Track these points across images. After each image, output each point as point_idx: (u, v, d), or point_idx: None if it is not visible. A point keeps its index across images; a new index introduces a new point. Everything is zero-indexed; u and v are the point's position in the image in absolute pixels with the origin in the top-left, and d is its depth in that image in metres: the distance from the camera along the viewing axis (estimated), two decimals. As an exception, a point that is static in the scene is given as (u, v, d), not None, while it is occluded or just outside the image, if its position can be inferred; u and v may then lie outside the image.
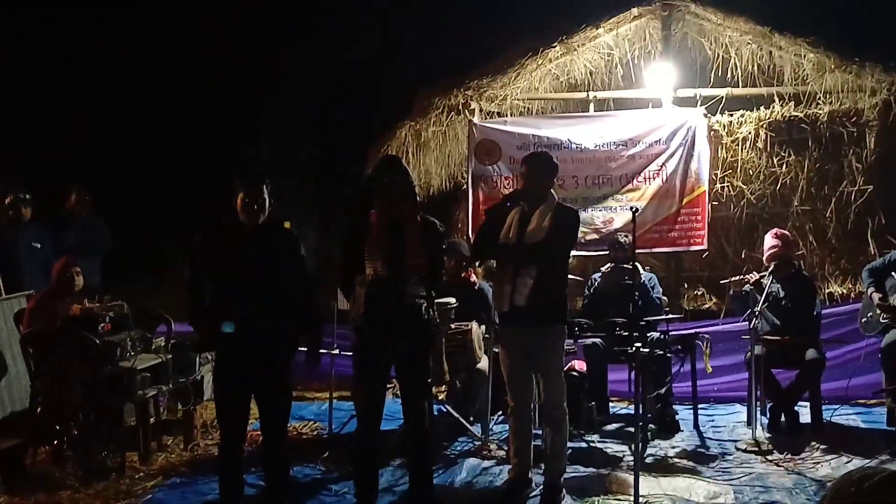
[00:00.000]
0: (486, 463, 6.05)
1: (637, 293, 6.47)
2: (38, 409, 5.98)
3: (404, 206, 4.85)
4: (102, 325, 6.03)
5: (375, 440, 5.06)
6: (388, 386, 5.43)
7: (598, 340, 6.85)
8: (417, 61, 11.69)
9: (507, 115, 9.04)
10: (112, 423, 5.94)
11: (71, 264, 6.43)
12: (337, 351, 6.77)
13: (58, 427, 5.83)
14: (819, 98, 8.44)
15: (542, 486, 5.25)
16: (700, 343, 6.84)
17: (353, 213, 5.19)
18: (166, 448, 6.42)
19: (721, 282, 7.73)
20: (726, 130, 8.63)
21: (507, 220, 5.25)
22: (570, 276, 6.40)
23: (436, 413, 6.87)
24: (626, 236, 7.01)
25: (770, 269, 6.76)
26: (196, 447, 6.42)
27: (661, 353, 6.58)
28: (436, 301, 5.31)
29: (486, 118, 8.95)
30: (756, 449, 6.16)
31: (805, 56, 8.37)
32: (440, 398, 7.13)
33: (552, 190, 5.32)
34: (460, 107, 8.94)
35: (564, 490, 5.26)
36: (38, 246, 7.79)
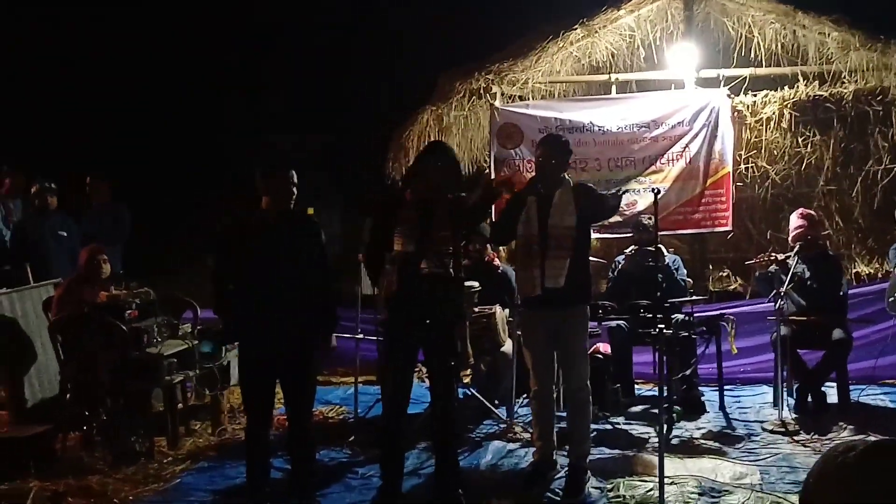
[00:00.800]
0: (511, 445, 6.06)
1: (661, 275, 6.45)
2: (67, 396, 6.08)
3: (448, 189, 4.87)
4: (129, 311, 6.08)
5: (401, 423, 5.09)
6: (415, 370, 5.45)
7: (622, 323, 6.83)
8: (439, 46, 11.67)
9: (528, 99, 9.00)
10: (140, 408, 6.02)
11: (98, 251, 6.49)
12: (361, 335, 6.80)
13: (87, 413, 5.91)
14: (844, 77, 8.35)
15: (566, 468, 5.25)
16: (725, 324, 6.80)
17: (389, 194, 5.21)
18: (194, 433, 6.49)
19: (746, 262, 7.69)
20: (750, 111, 8.55)
21: (525, 204, 5.23)
22: (593, 259, 6.41)
23: (461, 396, 6.90)
24: (650, 218, 6.98)
25: (796, 250, 6.71)
26: (224, 432, 6.47)
27: (686, 334, 6.56)
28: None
29: (507, 102, 8.92)
30: (783, 430, 6.14)
31: (829, 34, 8.28)
32: (465, 382, 7.15)
33: (565, 175, 5.31)
34: (482, 91, 8.91)
35: (589, 472, 5.26)
36: (65, 234, 7.89)
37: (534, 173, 5.52)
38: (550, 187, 5.21)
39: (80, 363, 5.98)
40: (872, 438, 4.96)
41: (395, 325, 4.92)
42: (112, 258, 7.07)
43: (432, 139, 8.84)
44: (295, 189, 4.81)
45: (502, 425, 6.44)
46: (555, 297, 5.09)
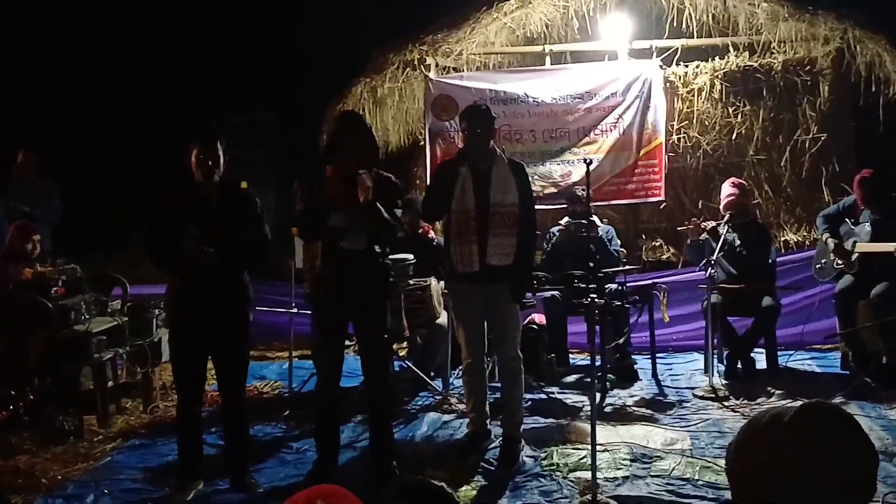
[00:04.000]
0: (447, 417, 6.08)
1: (594, 246, 6.50)
2: (-7, 375, 5.93)
3: (365, 160, 4.82)
4: (55, 288, 5.96)
5: (336, 397, 5.08)
6: (349, 343, 5.42)
7: (556, 293, 6.87)
8: (371, 18, 11.57)
9: (463, 71, 8.98)
10: (69, 386, 5.90)
11: (32, 231, 6.36)
12: (295, 310, 6.75)
13: (13, 392, 5.77)
14: (773, 47, 8.49)
15: (501, 438, 5.28)
16: (657, 293, 6.89)
17: (313, 170, 5.14)
18: (125, 411, 6.39)
19: (678, 228, 7.79)
20: (682, 81, 8.64)
21: (457, 179, 5.14)
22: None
23: (397, 369, 6.90)
24: (583, 189, 7.01)
25: (726, 218, 6.81)
26: (156, 409, 6.38)
27: (619, 304, 6.62)
28: (393, 257, 5.30)
29: (442, 74, 8.88)
30: (713, 396, 6.25)
31: (759, 5, 8.39)
32: (401, 354, 7.14)
33: (496, 146, 5.25)
34: (416, 63, 8.87)
35: (523, 441, 5.30)
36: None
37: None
38: (483, 160, 5.15)
39: (6, 341, 5.84)
40: (797, 403, 5.07)
41: (323, 300, 4.89)
42: (41, 236, 6.92)
43: (367, 112, 8.78)
44: (221, 160, 4.73)
45: (437, 397, 6.46)
46: (502, 272, 5.07)
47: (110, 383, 6.30)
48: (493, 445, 5.34)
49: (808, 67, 8.48)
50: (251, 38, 13.55)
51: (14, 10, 12.95)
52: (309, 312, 6.56)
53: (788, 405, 1.81)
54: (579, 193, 7.20)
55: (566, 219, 7.30)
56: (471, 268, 5.14)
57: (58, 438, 5.64)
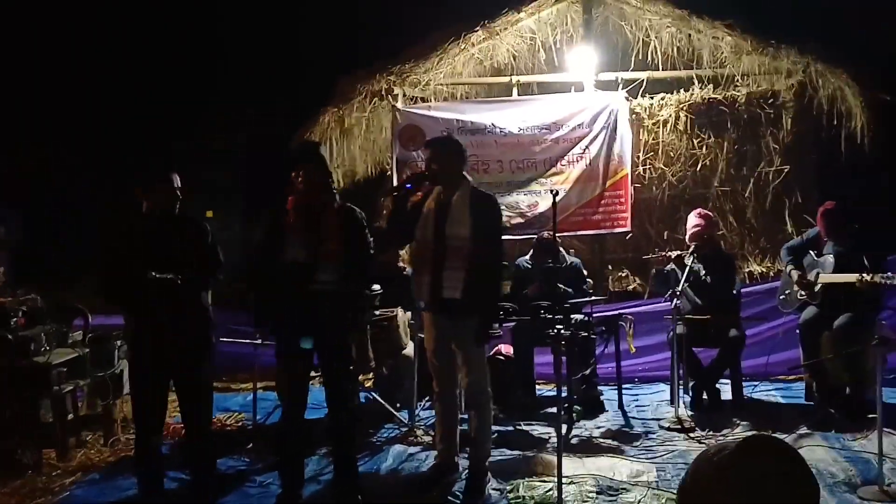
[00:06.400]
0: (413, 449, 6.03)
1: (555, 277, 6.52)
2: (-51, 408, 5.80)
3: (319, 192, 4.81)
4: (15, 319, 5.85)
5: (300, 429, 5.03)
6: (314, 374, 5.38)
7: (523, 324, 6.86)
8: (339, 47, 11.58)
9: (430, 101, 9.00)
10: (28, 419, 5.78)
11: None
12: (259, 340, 6.67)
13: (-30, 425, 5.66)
14: (737, 80, 8.60)
15: (467, 471, 5.24)
16: (623, 324, 6.91)
17: (274, 200, 5.12)
18: (86, 444, 6.26)
19: (644, 258, 7.84)
20: (647, 113, 8.72)
21: (424, 207, 5.14)
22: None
23: (363, 400, 6.85)
24: (549, 232, 6.98)
25: (692, 249, 6.85)
26: (117, 442, 6.26)
27: (586, 334, 6.63)
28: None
29: (409, 103, 8.90)
30: (679, 427, 6.26)
31: (722, 39, 8.50)
32: (367, 385, 7.09)
33: (465, 174, 5.20)
34: (383, 92, 8.86)
35: (490, 473, 5.26)
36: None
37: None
38: (448, 191, 5.12)
39: (-37, 373, 5.73)
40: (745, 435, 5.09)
41: (286, 332, 4.86)
42: (3, 265, 6.82)
43: (334, 141, 8.77)
44: (178, 192, 4.74)
45: (404, 429, 6.40)
46: (452, 306, 5.03)
47: (70, 416, 6.16)
48: (459, 478, 5.30)
49: (772, 100, 8.60)
50: (221, 64, 13.49)
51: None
52: (272, 343, 6.53)
53: (734, 439, 1.81)
54: (546, 236, 7.18)
55: (532, 250, 7.31)
56: (421, 298, 5.18)
57: (16, 472, 5.53)
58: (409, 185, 5.14)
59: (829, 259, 6.60)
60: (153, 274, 4.58)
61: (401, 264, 7.27)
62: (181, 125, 13.10)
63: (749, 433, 6.06)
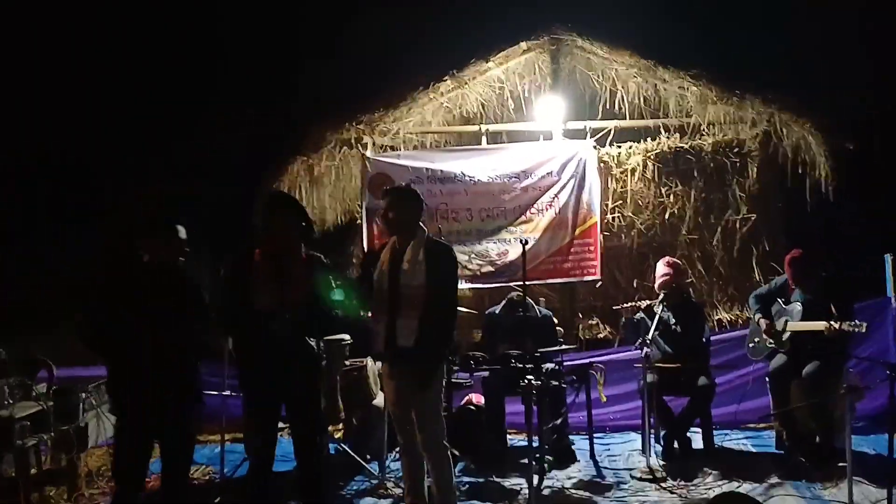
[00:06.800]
0: (383, 502, 5.96)
1: (529, 327, 6.50)
2: None
3: (291, 240, 4.81)
4: (-24, 372, 5.74)
5: (268, 482, 4.95)
6: (282, 426, 5.30)
7: (494, 373, 6.82)
8: (307, 96, 11.59)
9: (400, 149, 9.02)
10: (-12, 474, 5.65)
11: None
12: (228, 392, 6.59)
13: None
14: (703, 129, 8.71)
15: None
16: (594, 373, 6.90)
17: (240, 249, 5.09)
18: (49, 499, 6.12)
19: (614, 307, 7.85)
20: (615, 161, 8.79)
21: (381, 256, 5.17)
22: (463, 310, 6.39)
23: (332, 451, 6.76)
24: (519, 294, 6.96)
25: (661, 297, 6.88)
26: (80, 498, 6.13)
27: (556, 383, 6.60)
28: (329, 338, 5.21)
29: (379, 152, 8.91)
30: (650, 476, 6.22)
31: (688, 88, 8.60)
32: (336, 437, 7.01)
33: (422, 224, 5.21)
34: (353, 141, 8.88)
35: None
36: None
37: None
38: (403, 240, 5.12)
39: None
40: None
41: (254, 382, 4.81)
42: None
43: (303, 189, 8.75)
44: (184, 246, 4.80)
45: (374, 481, 6.32)
46: (405, 356, 4.99)
47: (33, 470, 6.03)
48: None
49: (737, 149, 8.71)
50: (184, 113, 13.42)
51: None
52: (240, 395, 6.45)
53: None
54: (514, 297, 7.17)
55: (504, 300, 7.31)
56: (376, 348, 5.17)
57: (-25, 530, 5.39)
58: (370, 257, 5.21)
59: (797, 307, 6.64)
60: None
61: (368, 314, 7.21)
62: (146, 170, 13.02)
63: (720, 483, 6.07)
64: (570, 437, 7.08)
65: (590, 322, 8.76)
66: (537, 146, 8.75)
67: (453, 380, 6.69)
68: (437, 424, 5.12)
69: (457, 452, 5.99)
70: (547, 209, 8.51)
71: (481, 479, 6.29)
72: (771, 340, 6.75)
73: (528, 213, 8.52)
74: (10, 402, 5.83)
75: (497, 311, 7.31)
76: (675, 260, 7.34)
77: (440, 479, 5.15)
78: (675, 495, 5.87)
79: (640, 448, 6.81)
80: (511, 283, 7.63)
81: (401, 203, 5.14)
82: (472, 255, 8.26)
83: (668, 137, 8.79)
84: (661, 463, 6.53)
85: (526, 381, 5.07)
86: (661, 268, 7.12)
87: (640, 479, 6.23)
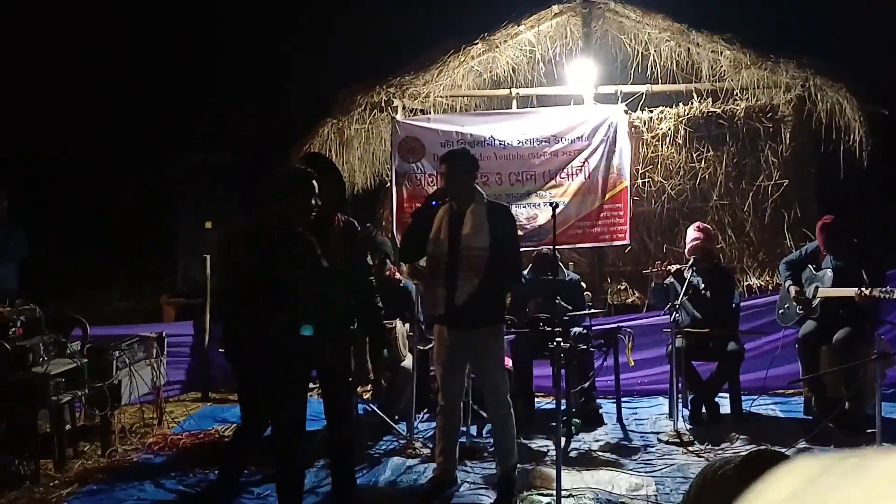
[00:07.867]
0: (411, 461, 6.02)
1: (555, 291, 6.51)
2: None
3: (332, 205, 4.82)
4: (14, 329, 5.83)
5: (298, 441, 5.01)
6: (312, 386, 5.36)
7: (522, 337, 6.85)
8: (339, 60, 11.61)
9: (430, 113, 9.00)
10: (25, 430, 5.76)
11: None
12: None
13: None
14: (736, 94, 8.61)
15: (497, 478, 5.28)
16: (622, 337, 6.91)
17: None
18: (83, 455, 6.25)
19: (643, 271, 7.83)
20: (647, 126, 8.73)
21: (435, 220, 5.17)
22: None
23: (360, 412, 6.83)
24: (549, 248, 6.98)
25: (691, 262, 6.86)
26: (114, 453, 6.24)
27: (584, 347, 6.62)
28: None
29: (409, 115, 8.91)
30: (678, 440, 6.25)
31: (722, 53, 8.51)
32: (365, 397, 7.08)
33: (478, 186, 5.26)
34: (383, 104, 8.87)
35: (515, 482, 5.28)
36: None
37: (436, 187, 5.47)
38: (461, 204, 5.15)
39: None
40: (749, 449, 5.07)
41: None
42: (6, 276, 6.80)
43: (333, 152, 8.77)
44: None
45: (402, 441, 6.39)
46: (465, 316, 5.04)
47: (68, 426, 6.16)
48: (457, 492, 5.29)
49: (770, 114, 8.61)
50: (216, 77, 13.52)
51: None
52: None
53: (737, 454, 1.80)
54: (545, 251, 7.17)
55: (531, 263, 7.32)
56: (435, 310, 5.16)
57: (13, 483, 5.51)
58: (434, 203, 5.18)
59: (828, 273, 6.61)
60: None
61: (397, 276, 7.27)
62: (177, 138, 13.13)
63: (749, 447, 6.07)
64: (598, 400, 7.11)
65: (618, 287, 8.77)
66: (568, 110, 8.71)
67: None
68: (503, 380, 5.26)
69: (484, 414, 6.06)
70: (577, 174, 8.48)
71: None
72: (801, 307, 6.72)
73: (558, 177, 8.50)
74: (45, 358, 5.93)
75: (525, 275, 7.31)
76: (705, 225, 7.31)
77: (506, 435, 5.25)
78: (701, 459, 5.88)
79: (668, 412, 6.83)
80: (540, 248, 7.61)
81: (459, 166, 5.17)
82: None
83: (700, 102, 8.70)
84: (689, 427, 6.56)
85: (554, 343, 5.09)
86: (692, 233, 7.10)
87: (667, 443, 6.25)
